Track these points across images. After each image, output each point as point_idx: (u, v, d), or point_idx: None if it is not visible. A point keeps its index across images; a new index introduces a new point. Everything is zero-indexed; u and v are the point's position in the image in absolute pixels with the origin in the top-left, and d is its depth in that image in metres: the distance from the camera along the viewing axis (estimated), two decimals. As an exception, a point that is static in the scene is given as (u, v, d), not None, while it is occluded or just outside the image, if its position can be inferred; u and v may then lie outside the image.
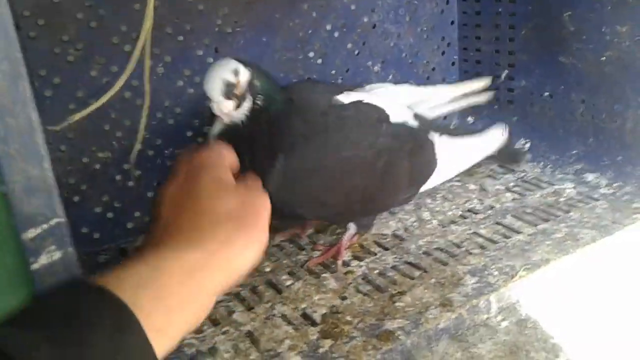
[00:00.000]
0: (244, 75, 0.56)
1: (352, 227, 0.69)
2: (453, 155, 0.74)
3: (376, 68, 0.92)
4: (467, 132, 0.81)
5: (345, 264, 0.68)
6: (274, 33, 0.81)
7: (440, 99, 0.82)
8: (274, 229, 0.69)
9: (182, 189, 0.42)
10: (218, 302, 0.62)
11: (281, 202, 0.56)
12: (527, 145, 0.95)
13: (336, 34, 0.87)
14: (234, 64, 0.56)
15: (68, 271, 0.36)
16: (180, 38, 0.73)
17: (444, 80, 1.03)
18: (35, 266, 0.35)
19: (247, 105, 0.57)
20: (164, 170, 0.76)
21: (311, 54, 0.85)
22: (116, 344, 0.30)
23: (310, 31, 0.84)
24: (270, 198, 0.56)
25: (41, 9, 0.65)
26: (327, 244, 0.72)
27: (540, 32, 0.89)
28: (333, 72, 0.88)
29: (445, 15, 0.99)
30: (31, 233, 0.34)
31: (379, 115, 0.65)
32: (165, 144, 0.76)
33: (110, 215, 0.75)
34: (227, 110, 0.56)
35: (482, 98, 0.90)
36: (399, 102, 0.71)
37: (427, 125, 0.72)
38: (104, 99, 0.51)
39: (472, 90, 0.88)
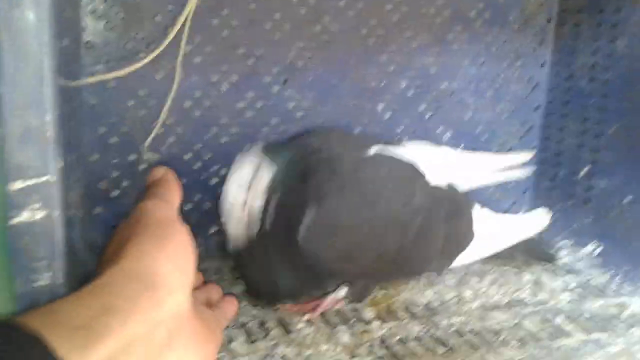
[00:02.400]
0: (267, 175, 0.55)
1: (343, 291, 0.64)
2: (491, 232, 0.69)
3: (446, 136, 0.89)
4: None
5: (366, 322, 0.62)
6: (345, 77, 0.79)
7: (479, 167, 0.77)
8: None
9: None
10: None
11: (308, 257, 0.54)
12: (599, 249, 0.87)
13: (410, 93, 0.84)
14: (256, 160, 0.55)
15: (48, 236, 0.34)
16: (250, 62, 0.73)
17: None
18: (14, 221, 0.33)
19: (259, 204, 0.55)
20: (210, 188, 0.76)
21: (380, 107, 0.83)
22: None
23: (383, 83, 0.82)
24: (297, 254, 0.54)
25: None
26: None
27: (630, 132, 0.83)
28: (399, 129, 0.85)
29: (530, 99, 0.94)
30: (18, 184, 0.32)
31: (413, 172, 0.61)
32: (215, 160, 0.75)
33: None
34: (240, 207, 0.55)
35: (521, 173, 0.83)
36: (433, 163, 0.67)
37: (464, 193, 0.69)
38: (128, 69, 0.50)
39: (514, 164, 0.81)
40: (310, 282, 0.61)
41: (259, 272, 0.57)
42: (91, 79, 0.42)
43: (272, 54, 0.75)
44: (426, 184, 0.62)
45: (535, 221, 0.76)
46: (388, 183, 0.58)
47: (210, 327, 0.43)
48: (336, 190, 0.55)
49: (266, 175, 0.55)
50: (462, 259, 0.68)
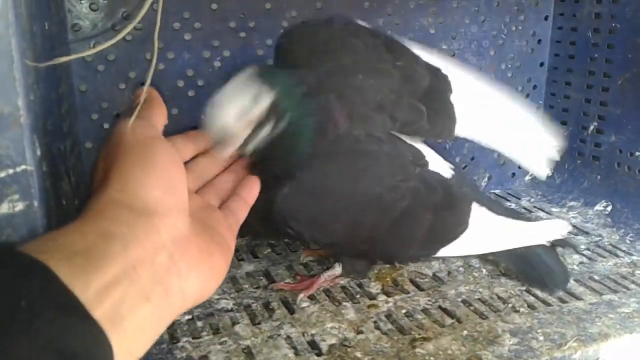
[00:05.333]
0: (265, 100, 0.50)
1: (337, 268, 0.63)
2: (486, 232, 0.64)
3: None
4: (515, 216, 0.70)
5: (371, 297, 0.61)
6: (342, 44, 0.77)
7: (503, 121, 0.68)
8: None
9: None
10: (225, 311, 0.58)
11: (282, 222, 0.53)
12: (609, 208, 0.86)
13: (410, 57, 0.82)
14: (256, 87, 0.50)
15: (30, 228, 0.33)
16: (243, 34, 0.71)
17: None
18: (-6, 214, 0.32)
19: (264, 131, 0.51)
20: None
21: (380, 73, 0.80)
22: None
23: (382, 48, 0.79)
24: (272, 214, 0.52)
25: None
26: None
27: (637, 82, 0.80)
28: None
29: (534, 56, 0.91)
30: (-7, 175, 0.31)
31: (414, 158, 0.59)
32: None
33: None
34: (239, 137, 0.50)
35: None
36: (441, 159, 0.64)
37: (467, 188, 0.64)
38: (101, 47, 0.48)
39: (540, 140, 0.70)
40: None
41: None
42: (63, 59, 0.40)
43: (265, 25, 0.73)
44: (423, 170, 0.59)
45: (538, 231, 0.66)
46: (380, 163, 0.56)
47: (219, 238, 0.41)
48: (322, 166, 0.53)
49: (264, 103, 0.50)
50: (451, 252, 0.64)
